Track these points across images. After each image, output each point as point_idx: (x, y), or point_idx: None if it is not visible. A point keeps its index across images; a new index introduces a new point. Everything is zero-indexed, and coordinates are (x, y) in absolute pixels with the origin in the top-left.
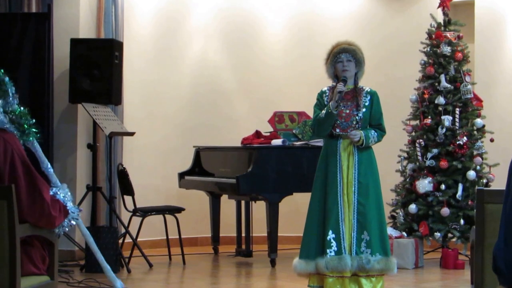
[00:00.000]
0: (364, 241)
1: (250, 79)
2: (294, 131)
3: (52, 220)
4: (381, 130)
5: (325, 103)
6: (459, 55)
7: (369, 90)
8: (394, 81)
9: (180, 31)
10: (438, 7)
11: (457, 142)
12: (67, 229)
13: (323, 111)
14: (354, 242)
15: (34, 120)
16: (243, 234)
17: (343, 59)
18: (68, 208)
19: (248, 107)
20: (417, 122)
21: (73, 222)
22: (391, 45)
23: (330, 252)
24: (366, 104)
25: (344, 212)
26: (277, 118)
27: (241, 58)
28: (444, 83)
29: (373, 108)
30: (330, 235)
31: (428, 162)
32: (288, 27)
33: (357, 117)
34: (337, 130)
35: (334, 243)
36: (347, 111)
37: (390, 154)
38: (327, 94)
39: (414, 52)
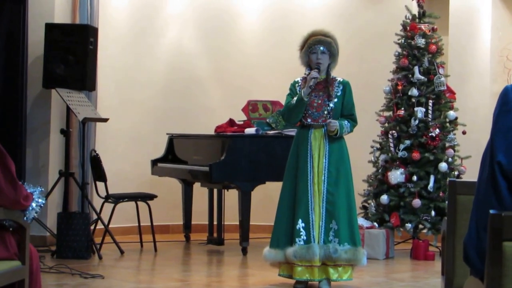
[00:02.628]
0: (332, 230)
1: (225, 67)
2: (267, 120)
3: (24, 202)
4: (353, 121)
5: (298, 92)
6: (433, 47)
7: (341, 80)
8: (368, 72)
9: (155, 17)
10: None
11: (430, 134)
12: (35, 213)
13: (295, 98)
14: (322, 231)
15: None
16: (215, 222)
17: (318, 51)
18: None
19: (222, 95)
20: (390, 113)
21: (41, 202)
22: (365, 35)
23: (299, 241)
24: (338, 94)
25: (314, 201)
26: (251, 107)
27: (217, 46)
28: (417, 75)
29: (345, 98)
30: (300, 224)
31: (400, 154)
32: (264, 15)
33: (328, 107)
34: (308, 120)
35: (303, 232)
36: (319, 101)
37: (363, 145)
38: (299, 84)
39: (388, 43)
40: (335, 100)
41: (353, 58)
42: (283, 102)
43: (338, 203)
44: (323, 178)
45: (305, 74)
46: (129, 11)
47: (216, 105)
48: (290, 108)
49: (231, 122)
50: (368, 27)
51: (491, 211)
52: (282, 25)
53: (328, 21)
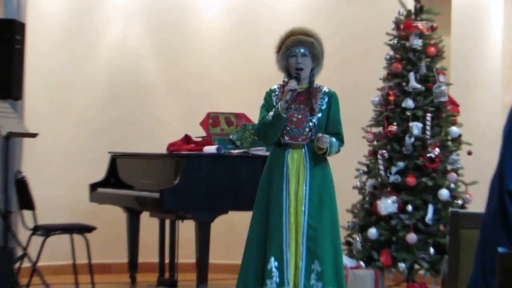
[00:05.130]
0: (315, 272)
1: (179, 71)
2: (231, 137)
3: None
4: (340, 140)
5: (274, 104)
6: (432, 49)
7: (326, 90)
8: (352, 79)
9: (95, 10)
10: None
11: (428, 155)
12: None
13: (271, 113)
14: (302, 273)
15: None
16: (167, 260)
17: (298, 54)
18: None
19: (176, 105)
20: (380, 129)
21: None
22: (349, 35)
23: (271, 283)
24: (323, 107)
25: (290, 236)
26: (211, 120)
27: (169, 45)
28: (413, 83)
29: (331, 112)
30: (272, 263)
31: (392, 178)
32: (228, 8)
33: (310, 123)
34: (286, 138)
35: (275, 273)
36: (299, 116)
37: (346, 168)
38: (276, 93)
39: (377, 45)
40: (319, 114)
41: (333, 62)
42: (252, 115)
43: (321, 239)
44: (303, 208)
45: (283, 81)
46: (64, 2)
47: (169, 117)
48: (266, 125)
49: (187, 139)
50: (353, 25)
51: (499, 250)
52: (250, 20)
53: (302, 17)
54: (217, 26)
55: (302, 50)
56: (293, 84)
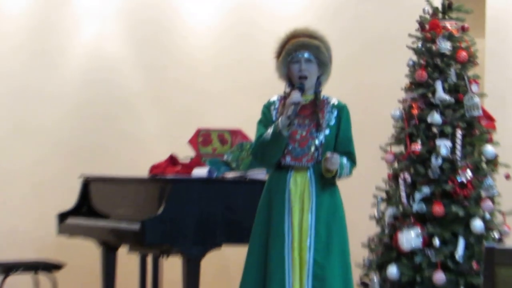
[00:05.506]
0: None
1: (164, 79)
2: (225, 158)
3: None
4: (351, 161)
5: (274, 119)
6: (463, 54)
7: (335, 103)
8: (368, 89)
9: (65, 10)
10: None
11: (458, 179)
12: None
13: (269, 131)
14: None
15: None
16: None
17: (301, 59)
18: None
19: (160, 120)
20: (402, 148)
21: None
22: (364, 38)
23: None
24: (331, 123)
25: (293, 276)
26: (202, 138)
27: (152, 51)
28: (440, 94)
29: (341, 129)
30: None
31: (416, 206)
32: (222, 5)
33: (316, 142)
34: (288, 159)
35: None
36: (303, 133)
37: (360, 194)
38: (276, 106)
39: (398, 49)
40: (327, 131)
41: (344, 69)
42: (250, 131)
43: (330, 279)
44: (308, 242)
45: (284, 92)
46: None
47: (152, 134)
48: (264, 145)
49: (172, 160)
50: (369, 27)
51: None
52: (247, 21)
53: (309, 20)
54: (209, 26)
55: (306, 55)
56: (295, 96)
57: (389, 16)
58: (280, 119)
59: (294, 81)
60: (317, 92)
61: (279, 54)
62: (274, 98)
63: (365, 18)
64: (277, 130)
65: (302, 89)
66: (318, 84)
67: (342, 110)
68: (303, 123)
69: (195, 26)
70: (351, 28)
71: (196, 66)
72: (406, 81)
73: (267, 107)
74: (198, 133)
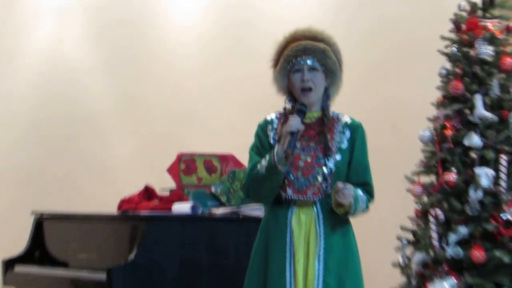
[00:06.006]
0: None
1: (138, 93)
2: (213, 190)
3: None
4: (368, 193)
5: (272, 142)
6: (508, 61)
7: (348, 121)
8: (390, 105)
9: (18, 8)
10: None
11: (503, 216)
12: None
13: (264, 162)
14: None
15: None
16: None
17: (303, 67)
18: None
19: (132, 143)
20: (432, 178)
21: None
22: (385, 42)
23: None
24: (343, 146)
25: None
26: (184, 165)
27: (123, 58)
28: (480, 111)
29: (355, 153)
30: None
31: (450, 251)
32: (210, 8)
33: (324, 170)
34: (289, 192)
35: None
36: (308, 159)
37: (381, 235)
38: (275, 126)
39: (428, 54)
40: (338, 156)
41: (360, 80)
42: (242, 156)
43: None
44: None
45: (284, 109)
46: None
47: (122, 161)
48: (258, 180)
49: (147, 193)
50: (391, 28)
51: None
52: (241, 21)
53: (317, 19)
54: (194, 27)
55: (309, 62)
56: (294, 122)
57: (416, 15)
58: (275, 149)
59: (296, 95)
60: (325, 108)
61: (276, 62)
62: (272, 116)
63: (387, 18)
64: (272, 164)
65: (302, 113)
66: (326, 97)
67: (356, 130)
68: (307, 146)
69: (177, 28)
70: (368, 30)
71: (178, 78)
72: (437, 95)
73: (263, 128)
74: (180, 159)
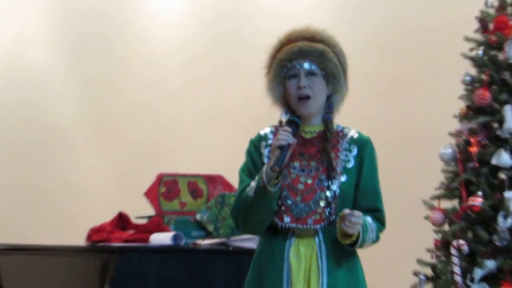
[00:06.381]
0: None
1: (112, 105)
2: (198, 217)
3: None
4: (379, 221)
5: (265, 162)
6: None
7: (355, 136)
8: (404, 117)
9: None
10: None
11: None
12: None
13: (253, 182)
14: None
15: None
16: None
17: (299, 72)
18: None
19: (104, 162)
20: (455, 203)
21: None
22: (399, 44)
23: None
24: (349, 165)
25: None
26: (165, 188)
27: (95, 62)
28: (511, 124)
29: (364, 174)
30: None
31: None
32: (195, 3)
33: (328, 193)
34: (286, 221)
35: None
36: (309, 181)
37: (394, 270)
38: (269, 142)
39: (449, 58)
40: (343, 178)
41: (371, 88)
42: (233, 177)
43: None
44: None
45: (280, 122)
46: None
47: (92, 182)
48: (247, 205)
49: (122, 221)
50: (406, 27)
51: None
52: (230, 24)
53: (318, 18)
54: (176, 25)
55: (306, 66)
56: (283, 135)
57: (435, 11)
58: (265, 167)
59: (292, 106)
60: (327, 120)
61: (269, 66)
62: (266, 130)
63: (401, 15)
64: (261, 184)
65: (295, 124)
66: (329, 107)
67: (364, 147)
68: (307, 166)
69: (158, 27)
70: (380, 29)
71: (158, 84)
72: (460, 105)
73: (255, 145)
74: (160, 180)
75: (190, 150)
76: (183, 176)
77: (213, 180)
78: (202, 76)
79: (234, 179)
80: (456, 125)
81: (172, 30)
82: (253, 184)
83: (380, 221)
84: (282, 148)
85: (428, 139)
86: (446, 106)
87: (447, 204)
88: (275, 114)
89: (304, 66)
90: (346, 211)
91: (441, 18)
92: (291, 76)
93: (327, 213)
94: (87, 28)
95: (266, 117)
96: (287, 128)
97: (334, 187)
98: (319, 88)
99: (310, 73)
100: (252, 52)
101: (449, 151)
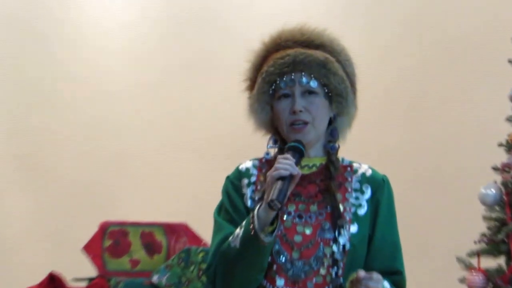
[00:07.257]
0: None
1: (39, 130)
2: (155, 279)
3: None
4: (397, 286)
5: (249, 205)
6: None
7: (369, 173)
8: (431, 147)
9: None
10: None
11: None
12: None
13: (238, 230)
14: None
15: None
16: None
17: (293, 90)
18: None
19: (29, 202)
20: (501, 261)
21: None
22: (423, 55)
23: None
24: (361, 211)
25: None
26: (111, 240)
27: (22, 68)
28: None
29: (379, 223)
30: None
31: None
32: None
33: (334, 248)
34: (279, 284)
35: None
36: (307, 231)
37: None
38: (253, 180)
39: (490, 67)
40: (353, 227)
41: (388, 110)
42: (201, 226)
43: None
44: None
45: (267, 154)
46: None
47: (12, 232)
48: (230, 260)
49: (53, 284)
50: (435, 29)
51: None
52: (205, 22)
53: (323, 19)
54: (126, 25)
55: (303, 81)
56: (283, 164)
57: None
58: (256, 209)
59: (283, 133)
60: (330, 151)
61: (252, 82)
62: (248, 164)
63: (428, 15)
64: (251, 233)
65: (298, 151)
66: (332, 134)
67: (381, 188)
68: (306, 211)
69: (103, 31)
70: (402, 36)
71: (102, 105)
72: (508, 130)
73: (234, 183)
74: (104, 230)
75: (144, 190)
76: (135, 225)
77: (175, 230)
78: (169, 91)
79: (203, 228)
80: (502, 156)
81: (118, 32)
82: (238, 232)
83: (401, 285)
84: (283, 179)
85: (463, 176)
86: (488, 132)
87: (490, 262)
88: (260, 143)
89: (300, 82)
90: (362, 273)
91: (478, 18)
92: (282, 96)
93: (333, 274)
94: (10, 24)
95: (247, 146)
96: (288, 156)
97: (342, 239)
98: (319, 110)
99: (307, 92)
100: (229, 58)
101: (493, 191)
